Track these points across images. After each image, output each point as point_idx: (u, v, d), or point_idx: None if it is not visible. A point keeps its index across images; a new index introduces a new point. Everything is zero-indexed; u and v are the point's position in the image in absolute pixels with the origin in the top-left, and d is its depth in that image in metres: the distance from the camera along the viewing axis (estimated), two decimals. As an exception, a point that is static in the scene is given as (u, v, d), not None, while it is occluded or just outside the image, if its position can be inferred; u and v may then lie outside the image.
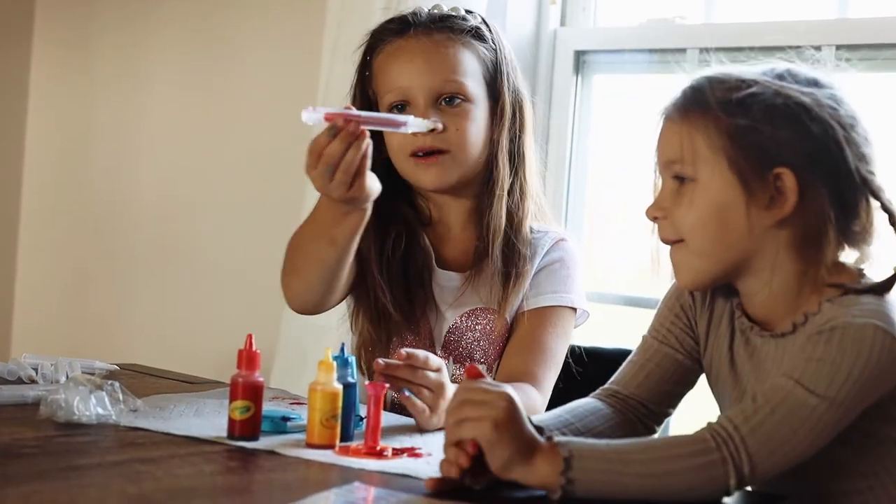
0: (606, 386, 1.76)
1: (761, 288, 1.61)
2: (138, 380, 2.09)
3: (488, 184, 2.06)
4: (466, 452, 1.43)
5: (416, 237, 2.09)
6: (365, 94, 2.09)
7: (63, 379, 1.99)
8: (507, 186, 2.05)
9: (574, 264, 2.11)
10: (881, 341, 1.46)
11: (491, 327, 2.05)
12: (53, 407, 1.68)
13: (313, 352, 2.82)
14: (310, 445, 1.61)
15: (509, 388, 1.47)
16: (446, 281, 2.08)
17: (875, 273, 1.60)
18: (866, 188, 1.56)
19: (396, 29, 2.07)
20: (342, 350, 1.72)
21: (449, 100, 2.02)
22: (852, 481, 1.60)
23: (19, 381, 2.01)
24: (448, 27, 2.06)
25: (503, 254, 2.05)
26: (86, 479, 1.41)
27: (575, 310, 2.08)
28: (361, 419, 1.72)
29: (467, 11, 2.10)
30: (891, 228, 1.57)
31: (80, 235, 3.86)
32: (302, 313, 2.01)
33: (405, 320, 2.05)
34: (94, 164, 3.84)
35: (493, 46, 2.08)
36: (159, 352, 3.25)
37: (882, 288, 1.56)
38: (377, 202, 1.84)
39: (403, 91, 2.03)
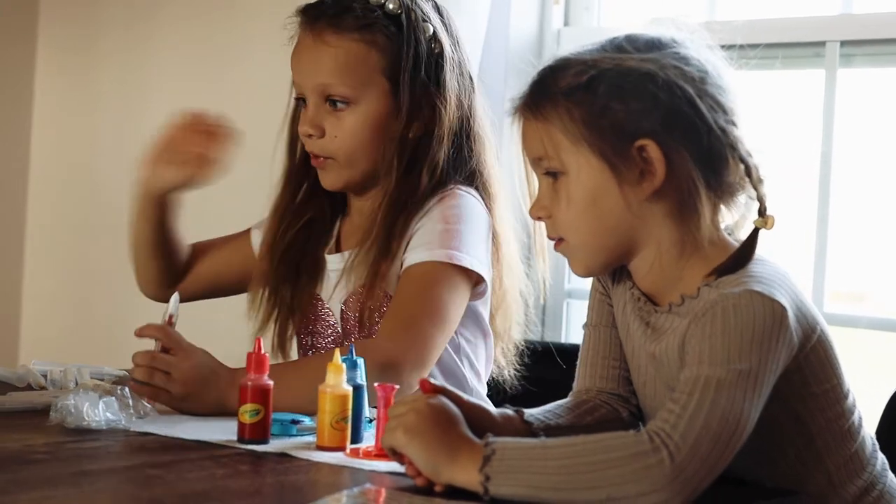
0: (574, 391, 1.74)
1: (645, 263, 1.61)
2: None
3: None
4: (403, 460, 1.46)
5: (326, 227, 2.12)
6: None
7: (72, 385, 1.99)
8: (390, 192, 1.99)
9: (467, 217, 1.99)
10: (761, 303, 1.46)
11: (380, 303, 2.00)
12: (63, 413, 1.67)
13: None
14: (320, 448, 1.61)
15: (438, 399, 1.48)
16: (333, 265, 2.08)
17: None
18: (725, 139, 1.55)
19: (306, 19, 2.04)
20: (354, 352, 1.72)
21: (333, 102, 2.00)
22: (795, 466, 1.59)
23: (29, 388, 2.01)
24: (342, 22, 2.00)
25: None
26: (97, 484, 1.41)
27: (465, 270, 1.95)
28: (370, 421, 1.72)
29: None
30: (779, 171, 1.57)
31: (87, 241, 3.85)
32: (151, 298, 2.20)
33: (290, 310, 2.09)
34: (99, 168, 3.84)
35: (401, 38, 2.00)
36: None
37: (745, 256, 1.55)
38: (298, 187, 2.05)
39: (297, 86, 2.05)
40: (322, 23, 2.01)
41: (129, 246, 2.17)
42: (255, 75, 3.52)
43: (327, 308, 2.08)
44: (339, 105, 2.00)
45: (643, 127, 1.54)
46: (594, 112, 1.55)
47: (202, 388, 1.81)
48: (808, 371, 1.55)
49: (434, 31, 2.03)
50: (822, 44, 2.70)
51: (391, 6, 2.00)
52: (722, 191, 1.58)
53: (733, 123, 1.56)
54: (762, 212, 1.58)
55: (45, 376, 2.05)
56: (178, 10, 3.68)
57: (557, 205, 1.60)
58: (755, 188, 1.57)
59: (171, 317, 1.87)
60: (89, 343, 3.76)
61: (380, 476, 1.50)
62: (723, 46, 1.63)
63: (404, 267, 1.97)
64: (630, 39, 1.60)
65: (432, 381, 1.55)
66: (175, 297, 1.89)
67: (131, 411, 1.72)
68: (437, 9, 2.08)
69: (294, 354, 2.14)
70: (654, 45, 1.58)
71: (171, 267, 2.16)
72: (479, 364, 2.10)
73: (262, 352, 1.65)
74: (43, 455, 1.53)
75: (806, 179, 2.72)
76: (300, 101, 2.05)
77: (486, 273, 1.99)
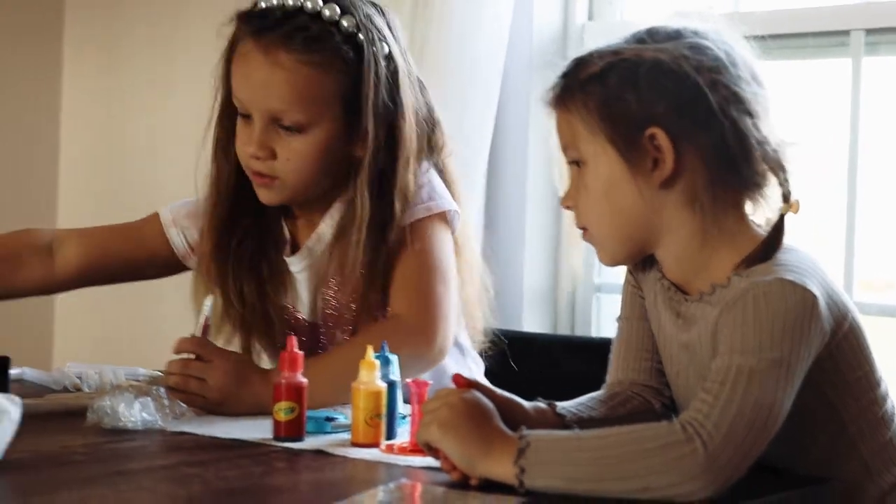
0: (607, 383, 1.75)
1: (670, 253, 1.62)
2: (181, 385, 2.10)
3: (351, 202, 1.95)
4: (438, 455, 1.47)
5: (269, 229, 2.05)
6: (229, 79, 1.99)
7: (108, 386, 2.01)
8: (366, 217, 1.92)
9: (424, 174, 1.99)
10: (792, 291, 1.46)
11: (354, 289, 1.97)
12: (100, 414, 1.69)
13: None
14: (355, 444, 1.62)
15: (471, 393, 1.49)
16: (297, 266, 2.04)
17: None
18: (738, 128, 1.56)
19: (250, 29, 1.93)
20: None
21: (285, 126, 1.92)
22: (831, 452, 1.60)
23: (65, 390, 2.03)
24: (295, 42, 1.89)
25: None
26: (135, 483, 1.43)
27: (444, 214, 1.98)
28: (404, 417, 1.73)
29: (343, 10, 1.92)
30: (812, 161, 1.57)
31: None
32: None
33: (266, 325, 2.04)
34: (128, 166, 3.86)
35: (360, 64, 1.91)
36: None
37: (774, 243, 1.56)
38: (237, 190, 1.99)
39: (242, 103, 1.94)
40: (273, 39, 1.90)
41: None
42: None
43: (297, 317, 2.07)
44: (291, 129, 1.92)
45: (652, 115, 1.55)
46: (607, 101, 1.57)
47: (237, 390, 1.83)
48: (840, 359, 1.55)
49: (389, 50, 1.96)
50: (846, 32, 2.69)
51: (345, 24, 1.91)
52: (741, 181, 1.58)
53: (749, 113, 1.57)
54: (786, 198, 1.58)
55: (80, 378, 2.07)
56: (203, 7, 3.69)
57: (579, 195, 1.63)
58: (775, 175, 1.58)
59: (206, 319, 1.88)
60: (123, 345, 3.78)
61: (415, 471, 1.51)
62: (746, 37, 1.63)
63: (398, 224, 1.94)
64: (651, 32, 1.61)
65: (465, 375, 1.56)
66: (208, 301, 1.90)
67: (167, 411, 1.74)
68: (381, 11, 2.00)
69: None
70: (673, 36, 1.59)
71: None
72: (463, 341, 2.12)
73: (296, 350, 1.66)
74: (81, 455, 1.54)
75: (833, 169, 2.72)
76: (240, 113, 1.97)
77: (455, 209, 2.00)
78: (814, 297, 1.47)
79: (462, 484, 1.43)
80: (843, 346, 1.55)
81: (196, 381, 1.82)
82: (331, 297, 2.03)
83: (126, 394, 1.73)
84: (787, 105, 1.63)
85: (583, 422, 1.63)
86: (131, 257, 2.15)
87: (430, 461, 1.51)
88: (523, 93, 2.91)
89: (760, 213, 1.61)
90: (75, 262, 2.13)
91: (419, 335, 1.90)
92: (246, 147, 1.95)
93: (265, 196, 1.98)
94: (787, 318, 1.45)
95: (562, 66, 1.64)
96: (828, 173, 2.74)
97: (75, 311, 3.98)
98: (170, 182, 3.77)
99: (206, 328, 1.88)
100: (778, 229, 1.57)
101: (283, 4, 1.92)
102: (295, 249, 2.06)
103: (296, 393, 1.64)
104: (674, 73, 1.55)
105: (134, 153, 3.85)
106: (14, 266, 2.11)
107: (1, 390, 1.72)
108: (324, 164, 1.95)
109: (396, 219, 1.93)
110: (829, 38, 2.76)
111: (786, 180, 1.58)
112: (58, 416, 1.79)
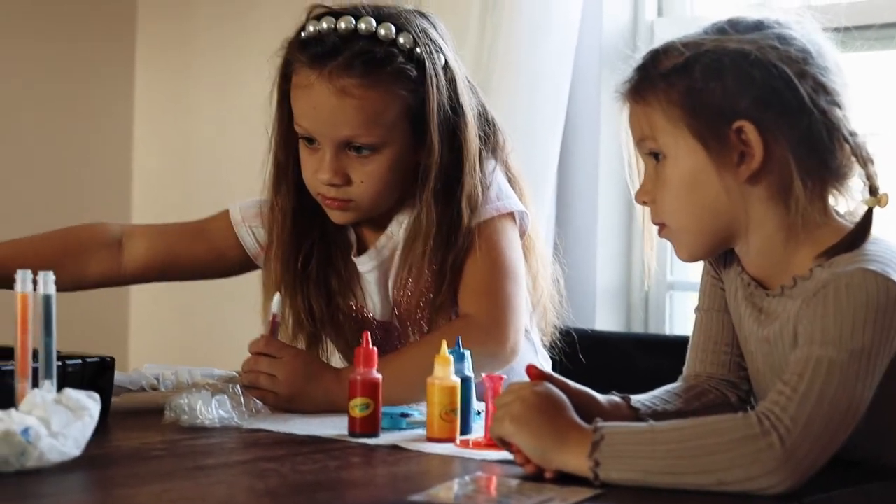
0: (683, 376, 1.74)
1: (753, 248, 1.60)
2: (256, 384, 2.11)
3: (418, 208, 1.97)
4: (512, 449, 1.47)
5: (336, 236, 2.06)
6: (286, 98, 2.00)
7: (184, 386, 2.03)
8: (433, 228, 1.94)
9: (490, 175, 1.99)
10: (874, 281, 1.44)
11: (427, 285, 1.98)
12: (178, 412, 1.71)
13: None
14: (430, 439, 1.63)
15: (544, 386, 1.49)
16: (365, 266, 2.05)
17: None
18: (827, 120, 1.53)
19: (309, 58, 1.92)
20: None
21: (357, 148, 1.92)
22: None
23: (142, 390, 2.05)
24: (364, 69, 1.89)
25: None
26: (213, 477, 1.44)
27: (512, 214, 1.99)
28: (479, 413, 1.73)
29: (398, 28, 1.92)
30: (886, 156, 1.54)
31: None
32: None
33: (336, 327, 2.07)
34: (200, 167, 3.89)
35: (423, 76, 1.92)
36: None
37: (859, 237, 1.53)
38: (300, 219, 2.01)
39: (308, 131, 1.94)
40: (335, 67, 1.89)
41: None
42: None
43: (367, 317, 2.08)
44: (363, 151, 1.93)
45: (740, 108, 1.53)
46: (691, 93, 1.55)
47: (307, 386, 1.84)
48: None
49: (445, 59, 1.96)
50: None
51: (402, 41, 1.91)
52: (829, 172, 1.56)
53: (837, 104, 1.55)
54: (874, 191, 1.56)
55: (157, 379, 2.08)
56: (274, 6, 3.71)
57: (659, 189, 1.61)
58: (863, 167, 1.56)
59: (274, 316, 1.89)
60: (198, 347, 3.82)
61: (490, 465, 1.51)
62: (826, 29, 1.61)
63: (466, 227, 1.95)
64: (732, 23, 1.59)
65: (539, 367, 1.56)
66: (277, 297, 1.91)
67: (243, 409, 1.75)
68: (428, 19, 2.00)
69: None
70: (756, 27, 1.57)
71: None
72: (534, 337, 2.12)
73: (371, 346, 1.67)
74: (160, 451, 1.56)
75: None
76: (304, 137, 1.97)
77: (523, 209, 2.00)
78: None
79: (537, 477, 1.43)
80: None
81: (266, 377, 1.84)
82: (401, 296, 2.04)
83: (203, 392, 1.75)
84: (871, 96, 1.61)
85: (657, 415, 1.62)
86: (199, 255, 2.16)
87: (504, 455, 1.51)
88: (594, 90, 2.90)
89: (843, 203, 1.59)
90: (143, 258, 2.15)
91: (491, 335, 1.90)
92: (319, 175, 1.94)
93: (339, 217, 1.99)
94: (868, 309, 1.43)
95: (636, 58, 1.62)
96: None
97: (150, 313, 4.03)
98: (240, 183, 3.80)
99: (274, 325, 1.90)
100: (865, 223, 1.54)
101: (336, 28, 1.91)
102: (362, 250, 2.07)
103: (371, 389, 1.65)
104: (761, 64, 1.53)
105: (205, 155, 3.89)
106: (83, 258, 2.13)
107: (105, 390, 1.74)
108: (395, 180, 1.96)
109: (464, 223, 1.94)
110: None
111: (875, 173, 1.56)
112: (136, 414, 1.82)
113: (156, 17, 4.00)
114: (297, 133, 1.97)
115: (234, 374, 2.21)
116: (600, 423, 1.42)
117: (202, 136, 3.91)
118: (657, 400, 1.66)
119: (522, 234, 2.02)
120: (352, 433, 1.65)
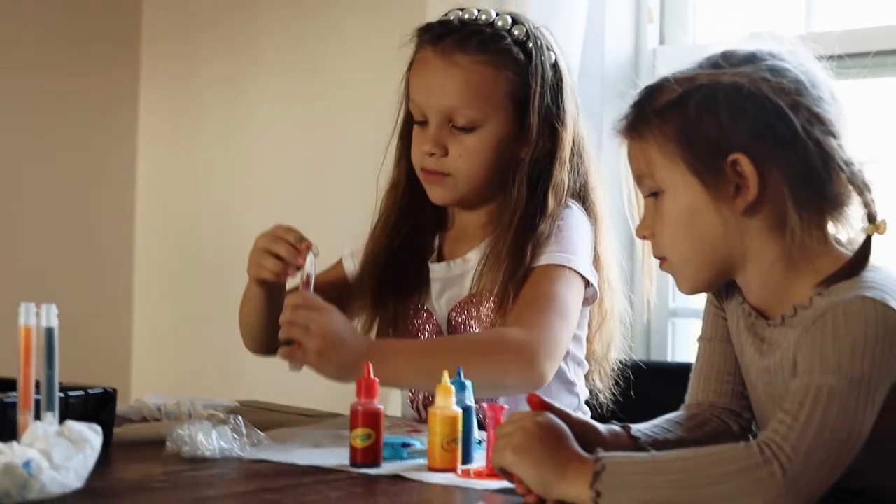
0: (685, 405, 1.75)
1: (753, 279, 1.60)
2: (258, 415, 2.11)
3: (507, 202, 2.05)
4: (513, 479, 1.47)
5: (426, 237, 2.14)
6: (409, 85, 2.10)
7: (186, 416, 2.03)
8: (520, 212, 2.01)
9: (575, 226, 2.04)
10: (873, 309, 1.44)
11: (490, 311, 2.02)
12: (179, 443, 1.71)
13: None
14: (432, 469, 1.63)
15: (545, 416, 1.49)
16: (438, 274, 2.10)
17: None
18: (822, 150, 1.54)
19: (430, 37, 2.05)
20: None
21: (459, 127, 2.02)
22: None
23: (143, 421, 2.05)
24: (471, 44, 2.01)
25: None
26: (215, 509, 1.44)
27: (579, 275, 1.99)
28: (479, 442, 1.73)
29: (514, 21, 2.05)
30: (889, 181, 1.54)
31: (193, 274, 3.92)
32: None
33: (393, 320, 2.10)
34: (205, 196, 3.90)
35: (529, 64, 2.03)
36: (275, 387, 3.28)
37: (859, 264, 1.53)
38: (404, 199, 2.10)
39: (419, 107, 2.05)
40: (449, 43, 2.02)
41: (239, 316, 2.18)
42: (356, 99, 3.55)
43: (430, 315, 2.10)
44: (464, 129, 2.02)
45: (734, 141, 1.54)
46: (686, 128, 1.56)
47: (339, 344, 1.83)
48: None
49: (556, 59, 2.06)
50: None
51: (517, 32, 2.03)
52: (825, 202, 1.56)
53: (832, 133, 1.55)
54: (872, 218, 1.56)
55: (159, 409, 2.09)
56: (279, 37, 3.73)
57: (658, 224, 1.61)
58: (860, 195, 1.56)
59: (307, 276, 1.89)
60: (198, 376, 3.82)
61: (492, 495, 1.51)
62: (820, 58, 1.62)
63: (534, 266, 1.98)
64: (726, 56, 1.60)
65: (540, 396, 1.56)
66: (311, 257, 1.92)
67: (245, 440, 1.75)
68: (547, 29, 2.11)
69: None
70: (749, 60, 1.58)
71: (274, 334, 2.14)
72: (580, 391, 2.12)
73: (372, 377, 1.67)
74: (162, 483, 1.56)
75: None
76: (417, 121, 2.06)
77: (595, 281, 2.03)
78: None
79: (541, 507, 1.43)
80: None
81: (300, 328, 1.83)
82: (456, 312, 2.07)
83: (204, 423, 1.75)
84: (866, 124, 1.61)
85: (658, 444, 1.62)
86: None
87: (505, 485, 1.51)
88: (596, 117, 2.90)
89: (843, 232, 1.60)
90: None
91: (523, 349, 1.89)
92: (421, 146, 2.04)
93: (437, 194, 2.06)
94: (867, 337, 1.43)
95: (633, 94, 1.63)
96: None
97: (153, 343, 4.03)
98: (246, 210, 3.83)
99: (308, 282, 1.89)
100: (864, 251, 1.54)
101: (460, 18, 2.05)
102: (439, 259, 2.13)
103: (373, 419, 1.65)
104: (754, 97, 1.54)
105: (211, 185, 3.90)
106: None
107: (107, 422, 1.74)
108: (493, 163, 2.03)
109: (550, 213, 2.00)
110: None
111: (872, 200, 1.56)
112: (138, 446, 1.81)
113: (160, 45, 4.01)
114: (413, 117, 2.07)
115: (236, 403, 2.22)
116: (601, 454, 1.42)
117: (207, 165, 3.92)
118: (658, 429, 1.66)
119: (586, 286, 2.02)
120: (353, 463, 1.65)
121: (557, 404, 1.56)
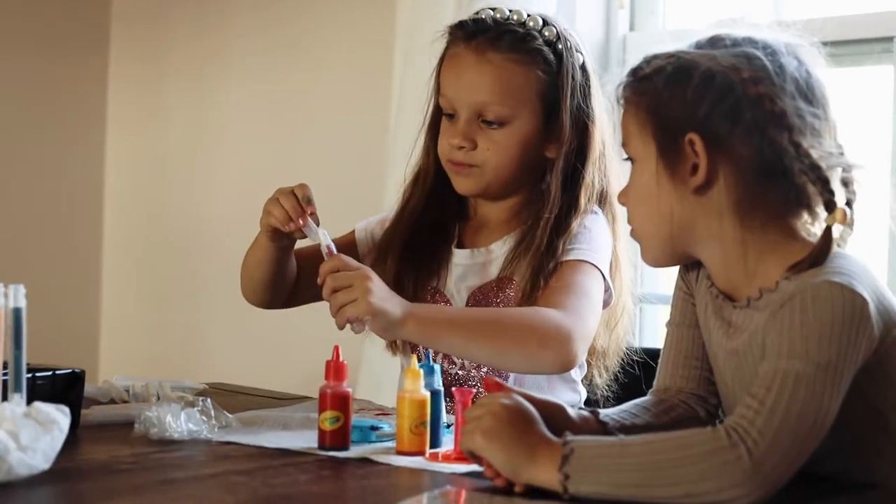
0: (653, 390, 1.75)
1: (713, 259, 1.62)
2: (226, 397, 2.11)
3: (536, 202, 2.06)
4: (482, 462, 1.48)
5: (448, 225, 2.15)
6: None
7: (154, 398, 2.03)
8: (555, 210, 2.03)
9: (602, 233, 2.06)
10: (840, 294, 1.45)
11: (511, 297, 2.04)
12: (147, 425, 1.71)
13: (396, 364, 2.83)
14: (400, 452, 1.63)
15: (514, 399, 1.49)
16: (461, 260, 2.11)
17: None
18: (781, 140, 1.54)
19: (463, 34, 2.07)
20: (428, 358, 1.75)
21: (488, 122, 2.03)
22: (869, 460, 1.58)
23: (112, 402, 2.05)
24: (504, 42, 2.04)
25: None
26: (183, 491, 1.44)
27: (602, 277, 2.01)
28: (448, 426, 1.74)
29: (545, 23, 2.07)
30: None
31: (162, 257, 3.91)
32: (255, 306, 2.18)
33: (410, 297, 2.03)
34: (173, 179, 3.89)
35: (560, 65, 2.06)
36: (244, 370, 3.29)
37: (821, 253, 1.53)
38: (431, 188, 2.11)
39: (450, 101, 2.06)
40: (482, 41, 2.04)
41: (243, 263, 2.13)
42: (327, 83, 3.55)
43: (446, 299, 2.10)
44: (493, 125, 2.03)
45: (694, 121, 1.55)
46: (654, 102, 1.59)
47: (386, 298, 1.81)
48: (888, 365, 1.54)
49: (584, 62, 2.08)
50: (889, 39, 2.69)
51: (547, 33, 2.05)
52: (782, 194, 1.56)
53: (799, 131, 1.54)
54: (829, 207, 1.57)
55: (127, 391, 2.08)
56: (250, 21, 3.72)
57: (630, 192, 1.65)
58: (815, 185, 1.55)
59: (328, 248, 1.87)
60: (166, 358, 3.81)
61: (460, 478, 1.51)
62: (800, 47, 1.62)
63: (563, 259, 2.00)
64: (713, 40, 1.61)
65: (497, 379, 1.57)
66: (324, 233, 1.91)
67: (213, 422, 1.75)
68: (574, 31, 2.13)
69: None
70: (733, 45, 1.58)
71: (279, 289, 2.12)
72: (581, 389, 2.14)
73: (341, 360, 1.67)
74: (129, 465, 1.56)
75: (877, 176, 2.70)
76: (446, 113, 2.08)
77: (613, 292, 2.06)
78: (863, 300, 1.46)
79: (506, 490, 1.44)
80: (892, 353, 1.53)
81: (342, 293, 1.79)
82: (482, 295, 2.07)
83: (172, 405, 1.74)
84: (843, 113, 1.62)
85: (626, 429, 1.62)
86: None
87: (474, 468, 1.52)
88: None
89: (819, 225, 1.59)
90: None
91: (561, 328, 1.88)
92: (450, 140, 2.06)
93: (463, 184, 2.08)
94: (835, 322, 1.45)
95: (632, 63, 1.65)
96: (872, 180, 2.72)
97: (121, 324, 4.02)
98: (214, 195, 3.82)
99: (331, 252, 1.87)
100: (825, 239, 1.55)
101: (493, 17, 2.08)
102: (460, 247, 2.14)
103: (341, 402, 1.65)
104: (719, 83, 1.55)
105: (179, 168, 3.89)
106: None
107: (75, 403, 1.74)
108: (519, 158, 2.05)
109: (581, 211, 2.03)
110: (871, 45, 2.75)
111: (828, 191, 1.56)
112: (105, 427, 1.81)
113: (129, 30, 4.00)
114: (442, 110, 2.09)
115: (205, 386, 2.22)
116: (570, 437, 1.43)
117: (175, 150, 3.91)
118: (626, 414, 1.67)
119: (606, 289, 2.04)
120: (322, 446, 1.66)
121: (516, 388, 1.57)
